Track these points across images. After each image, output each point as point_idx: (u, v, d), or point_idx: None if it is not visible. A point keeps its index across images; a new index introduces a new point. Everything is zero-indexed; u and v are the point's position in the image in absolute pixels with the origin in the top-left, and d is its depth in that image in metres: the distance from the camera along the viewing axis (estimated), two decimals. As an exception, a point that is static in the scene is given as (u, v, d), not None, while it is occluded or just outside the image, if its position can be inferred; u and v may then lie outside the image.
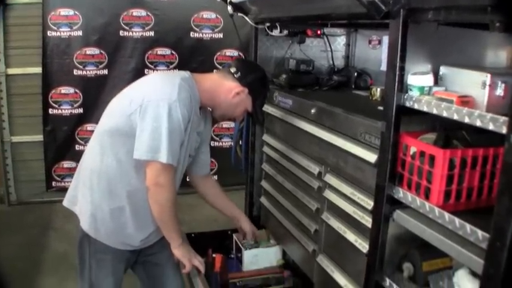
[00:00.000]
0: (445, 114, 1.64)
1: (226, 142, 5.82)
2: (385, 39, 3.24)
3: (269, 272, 3.27)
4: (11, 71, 5.22)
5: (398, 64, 1.82)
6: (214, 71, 2.52)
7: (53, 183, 5.46)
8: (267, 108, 3.26)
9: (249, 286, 3.16)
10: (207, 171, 2.79)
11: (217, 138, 5.85)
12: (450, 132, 1.79)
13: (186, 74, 2.34)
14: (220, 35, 5.57)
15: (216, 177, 5.85)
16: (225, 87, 2.39)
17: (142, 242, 2.41)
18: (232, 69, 2.42)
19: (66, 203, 2.43)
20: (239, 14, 3.27)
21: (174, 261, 2.53)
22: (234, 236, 3.40)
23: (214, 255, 3.30)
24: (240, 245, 3.25)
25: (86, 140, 2.27)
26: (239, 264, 3.34)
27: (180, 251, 2.41)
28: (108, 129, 2.25)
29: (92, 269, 2.34)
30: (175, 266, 2.60)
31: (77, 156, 4.88)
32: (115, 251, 2.35)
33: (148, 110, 2.10)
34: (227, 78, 2.40)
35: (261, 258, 3.31)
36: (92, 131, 2.49)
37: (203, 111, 2.47)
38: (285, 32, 3.36)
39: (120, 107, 2.24)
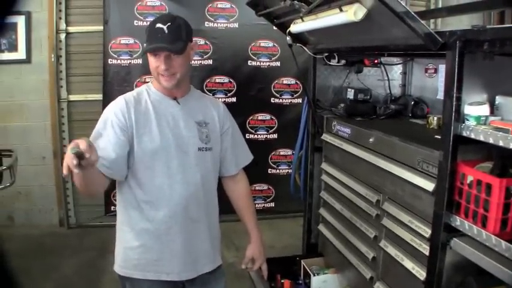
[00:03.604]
0: (501, 143, 1.67)
1: (284, 169, 5.85)
2: (441, 68, 3.27)
3: (337, 298, 3.30)
4: (72, 97, 5.44)
5: (455, 94, 1.86)
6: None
7: (112, 208, 5.46)
8: (326, 137, 3.32)
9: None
10: (232, 171, 2.53)
11: (275, 166, 5.88)
12: (506, 160, 1.81)
13: None
14: (278, 63, 5.63)
15: (273, 204, 5.91)
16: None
17: (172, 271, 2.29)
18: None
19: None
20: (298, 44, 3.36)
21: None
22: (302, 262, 3.44)
23: (282, 280, 3.37)
24: (309, 271, 3.28)
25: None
26: (307, 290, 3.39)
27: None
28: None
29: None
30: None
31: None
32: (150, 285, 2.28)
33: None
34: None
35: (329, 284, 3.34)
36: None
37: (186, 103, 2.43)
38: (343, 61, 3.44)
39: None
